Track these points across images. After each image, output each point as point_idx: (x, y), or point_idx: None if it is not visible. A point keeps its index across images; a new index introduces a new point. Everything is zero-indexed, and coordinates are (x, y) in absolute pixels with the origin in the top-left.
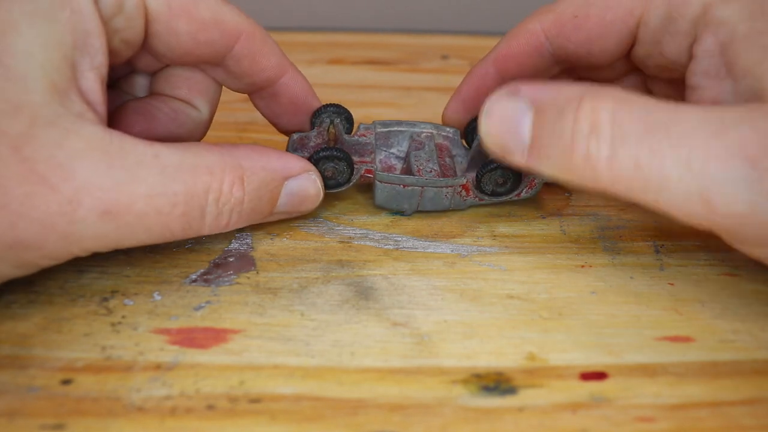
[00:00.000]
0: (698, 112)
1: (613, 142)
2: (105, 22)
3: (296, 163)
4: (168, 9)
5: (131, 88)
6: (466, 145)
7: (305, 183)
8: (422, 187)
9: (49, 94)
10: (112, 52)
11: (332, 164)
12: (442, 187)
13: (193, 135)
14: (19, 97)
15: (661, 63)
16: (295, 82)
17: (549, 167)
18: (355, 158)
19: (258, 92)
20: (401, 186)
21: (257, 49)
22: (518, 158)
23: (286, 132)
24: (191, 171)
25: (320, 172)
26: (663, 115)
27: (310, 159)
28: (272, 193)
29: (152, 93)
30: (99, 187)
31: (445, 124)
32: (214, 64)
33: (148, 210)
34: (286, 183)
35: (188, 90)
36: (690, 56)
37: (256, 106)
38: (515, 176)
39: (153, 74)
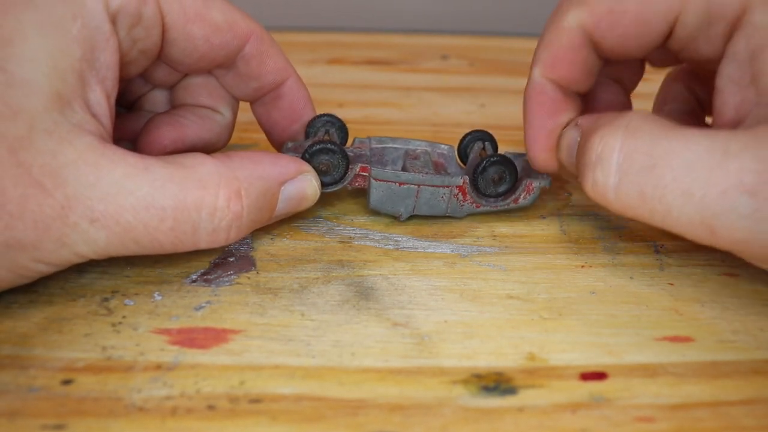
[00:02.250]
0: (703, 141)
1: (618, 172)
2: (124, 33)
3: (291, 165)
4: (183, 16)
5: (153, 106)
6: (461, 164)
7: (302, 185)
8: (418, 186)
9: (50, 101)
10: (130, 63)
11: (327, 157)
12: (438, 186)
13: (221, 138)
14: (20, 103)
15: (694, 58)
16: (296, 88)
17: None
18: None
19: (260, 98)
20: (397, 185)
21: (265, 50)
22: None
23: (279, 145)
24: (181, 185)
25: (315, 166)
26: (668, 145)
27: (304, 153)
28: (270, 202)
29: (175, 105)
30: (88, 197)
31: (537, 169)
32: (226, 68)
33: (135, 223)
34: (282, 188)
35: (208, 96)
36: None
37: (255, 113)
38: (511, 173)
39: (171, 88)
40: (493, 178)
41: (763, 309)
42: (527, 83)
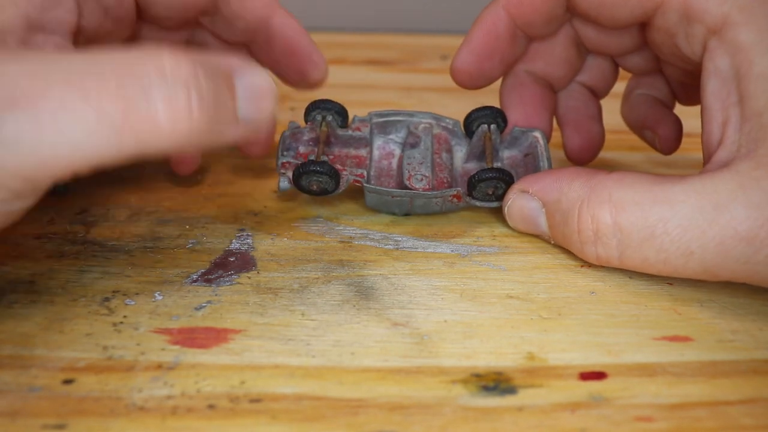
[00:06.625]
0: (692, 200)
1: (619, 246)
2: (93, 3)
3: (234, 58)
4: None
5: None
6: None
7: (252, 79)
8: (411, 198)
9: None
10: (111, 33)
11: (316, 179)
12: (431, 198)
13: None
14: None
15: (675, 53)
16: (286, 24)
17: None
18: (350, 151)
19: (254, 42)
20: (390, 197)
21: None
22: (547, 240)
23: (297, 84)
24: (123, 53)
25: (306, 186)
26: (660, 212)
27: (293, 174)
28: (227, 85)
29: None
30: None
31: (454, 76)
32: (211, 14)
33: (69, 88)
34: (236, 81)
35: None
36: (702, 65)
37: (257, 60)
38: (507, 184)
39: None
40: (486, 191)
41: (762, 309)
42: (485, 11)
